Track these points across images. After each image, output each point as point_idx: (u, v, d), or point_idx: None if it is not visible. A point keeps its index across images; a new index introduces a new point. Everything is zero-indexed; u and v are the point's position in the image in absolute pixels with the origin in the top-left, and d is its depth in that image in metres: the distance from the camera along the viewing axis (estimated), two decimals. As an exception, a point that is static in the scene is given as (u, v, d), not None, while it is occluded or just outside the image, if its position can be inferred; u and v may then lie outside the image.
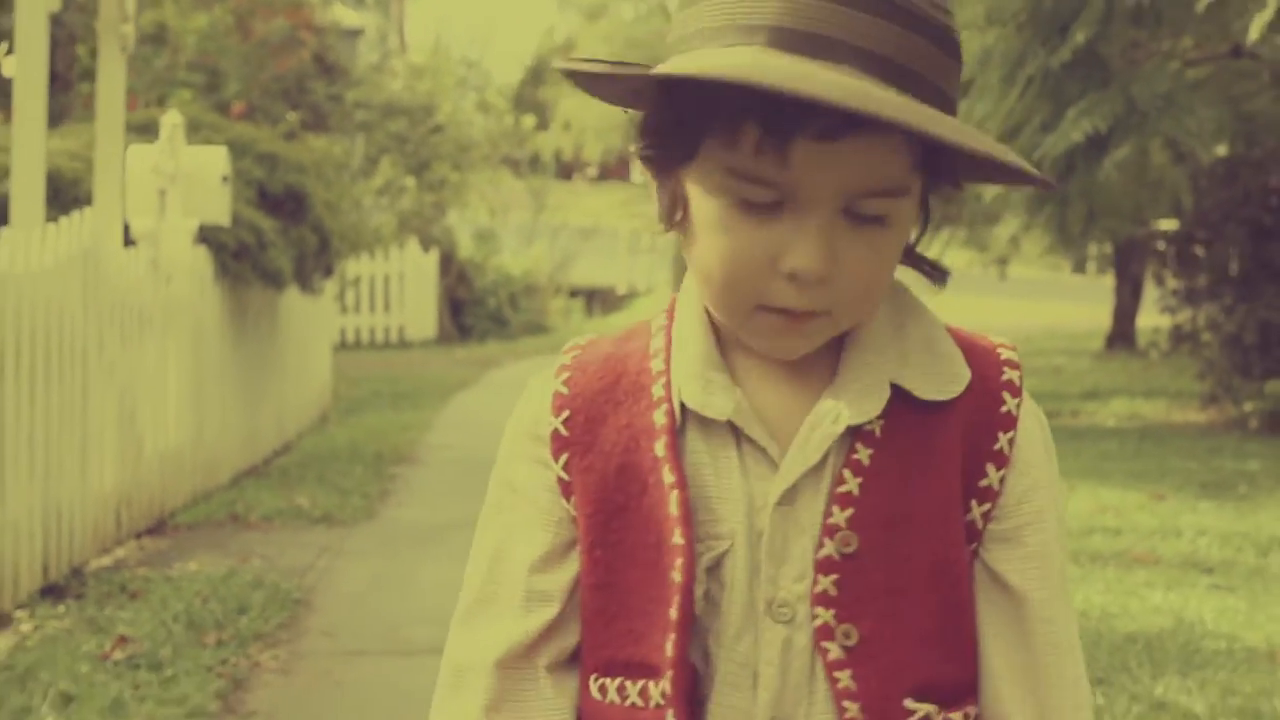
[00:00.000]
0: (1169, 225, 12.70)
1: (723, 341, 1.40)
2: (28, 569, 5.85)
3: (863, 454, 1.35)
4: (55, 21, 8.60)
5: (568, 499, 1.41)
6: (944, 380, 1.38)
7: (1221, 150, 11.64)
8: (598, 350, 1.46)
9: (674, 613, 1.33)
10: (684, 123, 1.31)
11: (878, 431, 1.35)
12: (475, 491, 6.22)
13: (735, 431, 1.36)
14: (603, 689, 1.40)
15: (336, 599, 6.13)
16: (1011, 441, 1.38)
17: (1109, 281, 21.15)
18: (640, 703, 1.37)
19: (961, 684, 1.37)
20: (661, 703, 1.35)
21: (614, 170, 53.02)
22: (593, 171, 53.05)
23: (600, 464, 1.39)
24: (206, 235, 8.51)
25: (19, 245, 5.86)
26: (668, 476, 1.35)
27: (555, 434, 1.41)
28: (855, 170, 1.27)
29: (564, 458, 1.41)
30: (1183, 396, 13.52)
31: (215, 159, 8.49)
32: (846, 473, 1.34)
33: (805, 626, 1.33)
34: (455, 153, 22.96)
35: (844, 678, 1.33)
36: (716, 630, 1.35)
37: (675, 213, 1.35)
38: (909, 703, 1.34)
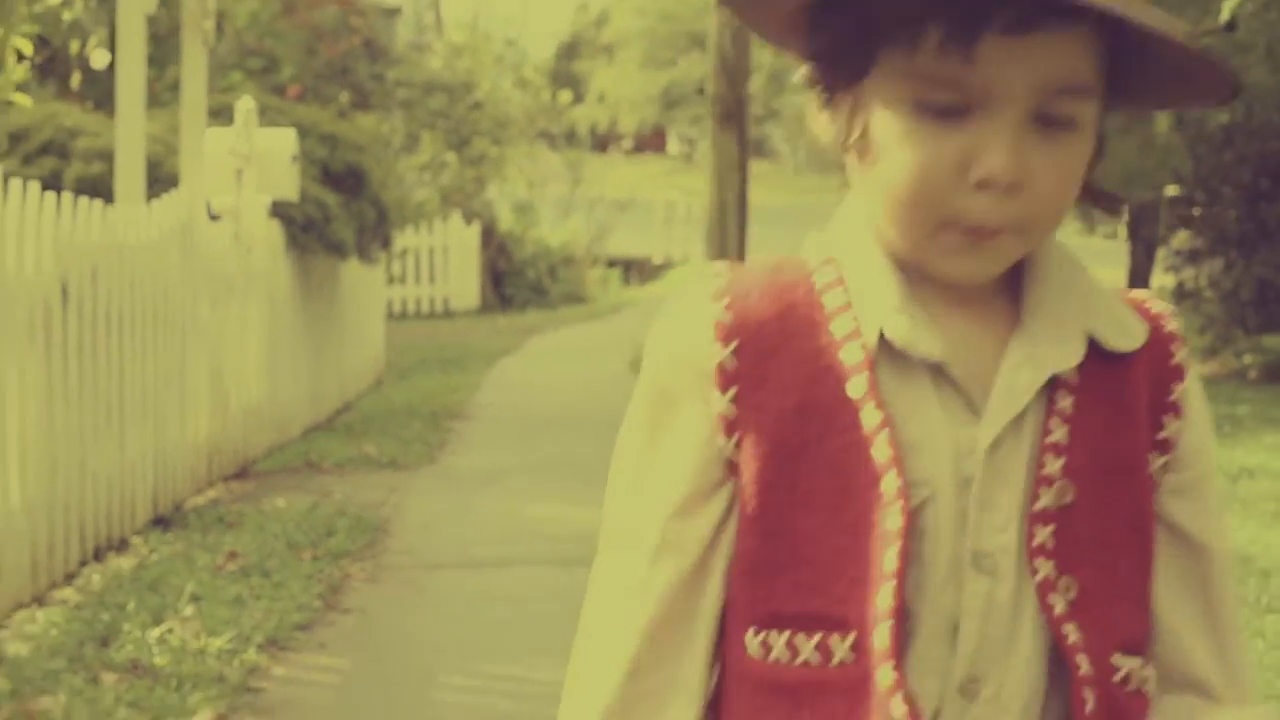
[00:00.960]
0: (1173, 190, 13.55)
1: (906, 279, 1.33)
2: (142, 503, 6.80)
3: (1065, 402, 1.31)
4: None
5: (729, 437, 1.32)
6: (1128, 330, 1.35)
7: (1223, 119, 12.47)
8: (752, 277, 1.36)
9: (891, 562, 1.26)
10: (859, 31, 1.28)
11: (1074, 381, 1.32)
12: (522, 442, 7.41)
13: (934, 374, 1.31)
14: (765, 645, 1.31)
15: (409, 525, 7.07)
16: (1184, 393, 1.37)
17: (1124, 245, 21.98)
18: (816, 658, 1.29)
19: (1147, 638, 1.35)
20: (849, 659, 1.28)
21: (649, 142, 53.74)
22: (628, 144, 53.75)
23: (776, 401, 1.31)
24: (278, 210, 9.44)
25: (128, 220, 6.80)
26: (870, 417, 1.28)
27: (721, 366, 1.32)
28: (1044, 66, 1.23)
29: (732, 391, 1.32)
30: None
31: (285, 140, 9.42)
32: (1054, 421, 1.31)
33: (1008, 579, 1.28)
34: (494, 128, 23.86)
35: (1071, 631, 1.29)
36: (917, 581, 1.28)
37: (852, 133, 1.30)
38: (1116, 658, 1.32)
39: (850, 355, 1.30)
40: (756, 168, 39.86)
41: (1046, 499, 1.29)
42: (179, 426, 7.40)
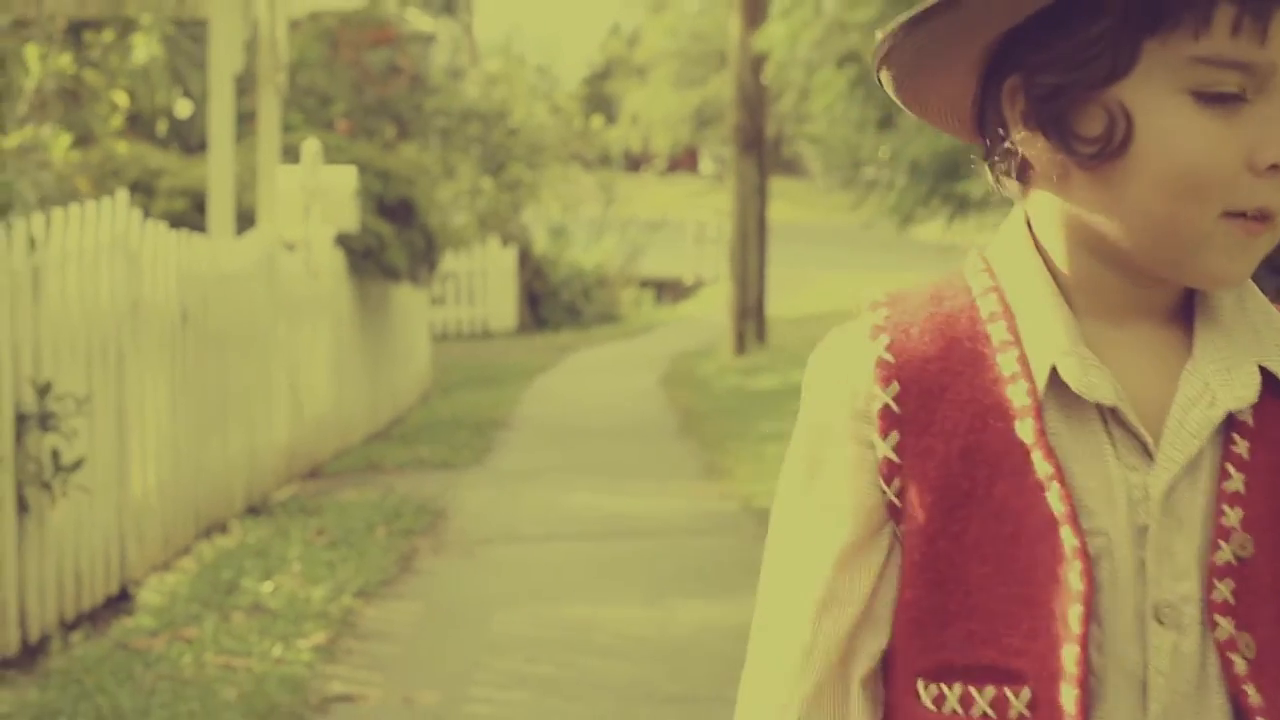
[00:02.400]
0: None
1: (1072, 308, 1.29)
2: (239, 494, 8.21)
3: (1241, 446, 1.26)
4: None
5: (889, 483, 1.29)
6: None
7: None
8: (914, 309, 1.33)
9: (1075, 623, 1.23)
10: (1124, 24, 1.23)
11: (1250, 421, 1.27)
12: (559, 446, 9.10)
13: (1103, 415, 1.26)
14: (938, 698, 1.29)
15: (464, 511, 8.48)
16: None
17: None
18: (992, 713, 1.26)
19: None
20: (1026, 715, 1.25)
21: (681, 161, 55.07)
22: (661, 164, 55.07)
23: (941, 445, 1.27)
24: (341, 240, 10.88)
25: (227, 253, 8.22)
26: (1042, 466, 1.24)
27: (885, 409, 1.29)
28: None
29: (894, 436, 1.29)
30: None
31: (346, 177, 10.86)
32: (1229, 467, 1.26)
33: (1191, 631, 1.24)
34: (529, 154, 25.31)
35: (1251, 691, 1.25)
36: (1099, 640, 1.24)
37: (1112, 141, 1.23)
38: None
39: (1018, 396, 1.26)
40: (787, 186, 41.22)
41: (1226, 552, 1.24)
42: (266, 430, 8.82)
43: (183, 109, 10.18)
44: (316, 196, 10.59)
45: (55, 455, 5.43)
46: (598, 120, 28.73)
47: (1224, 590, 1.25)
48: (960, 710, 1.27)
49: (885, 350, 1.30)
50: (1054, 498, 1.24)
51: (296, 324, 9.71)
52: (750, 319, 17.15)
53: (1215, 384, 1.26)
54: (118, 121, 9.77)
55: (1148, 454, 1.25)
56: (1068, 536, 1.23)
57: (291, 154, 11.03)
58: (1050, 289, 1.29)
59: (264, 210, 9.99)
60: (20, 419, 5.32)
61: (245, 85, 9.85)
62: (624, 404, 14.26)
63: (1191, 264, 1.25)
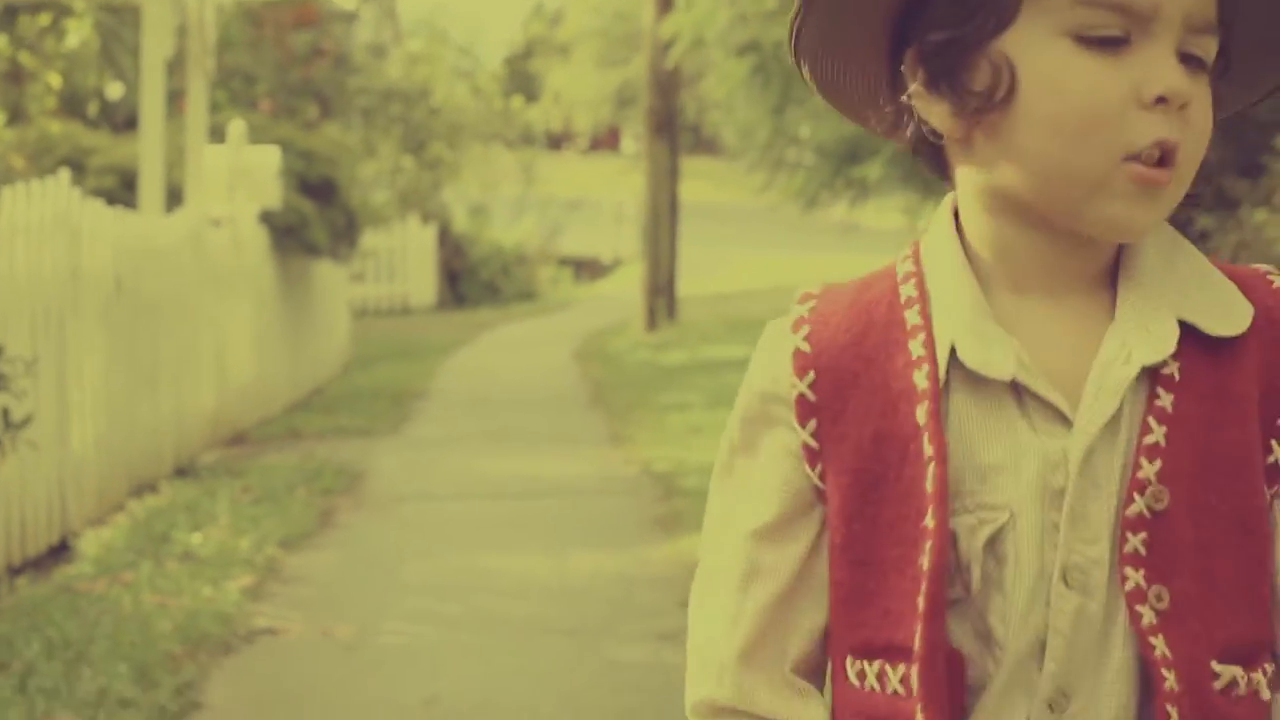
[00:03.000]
0: None
1: (984, 284, 1.32)
2: (168, 455, 8.76)
3: (1165, 399, 1.27)
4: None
5: (813, 467, 1.34)
6: (1230, 313, 1.30)
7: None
8: (837, 299, 1.37)
9: (921, 602, 1.27)
10: None
11: (1176, 375, 1.28)
12: (474, 416, 9.88)
13: (1016, 388, 1.28)
14: (861, 674, 1.33)
15: (381, 473, 9.07)
16: None
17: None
18: (903, 690, 1.30)
19: (1259, 642, 1.30)
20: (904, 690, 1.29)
21: (603, 141, 55.56)
22: (583, 143, 55.49)
23: (854, 430, 1.32)
24: (264, 217, 11.42)
25: (158, 228, 8.77)
26: (926, 448, 1.28)
27: (801, 398, 1.34)
28: None
29: (812, 424, 1.34)
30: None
31: (270, 157, 11.40)
32: (1151, 420, 1.27)
33: (1098, 592, 1.26)
34: (450, 133, 25.83)
35: (1159, 643, 1.25)
36: (1001, 610, 1.28)
37: (997, 91, 1.27)
38: (1216, 665, 1.27)
39: (920, 380, 1.29)
40: (708, 165, 41.77)
41: (1139, 504, 1.26)
42: (193, 396, 9.37)
43: (113, 91, 10.68)
44: (241, 175, 11.12)
45: (5, 413, 5.98)
46: (519, 101, 29.16)
47: (1135, 542, 1.26)
48: (877, 687, 1.31)
49: (804, 340, 1.35)
50: (929, 479, 1.27)
51: (222, 297, 10.25)
52: (661, 296, 17.81)
53: (1133, 342, 1.27)
54: (51, 102, 10.26)
55: (1066, 420, 1.27)
56: (929, 517, 1.26)
57: (217, 134, 11.54)
58: (962, 268, 1.32)
59: (191, 188, 10.52)
60: (-28, 379, 5.86)
61: (173, 67, 10.35)
62: (538, 377, 14.87)
63: (1092, 211, 1.26)
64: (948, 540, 1.26)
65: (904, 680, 1.29)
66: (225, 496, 7.92)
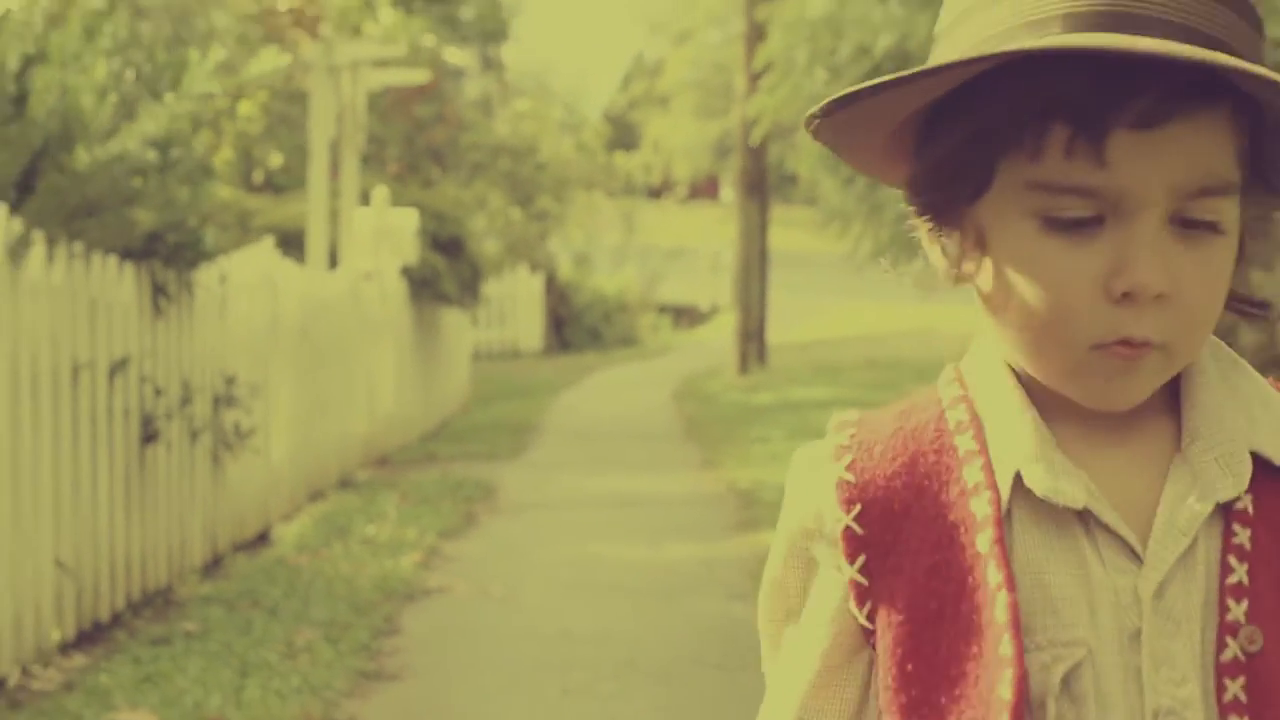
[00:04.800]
0: None
1: (1041, 409, 1.27)
2: (334, 470, 10.82)
3: (1242, 535, 1.24)
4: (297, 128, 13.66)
5: (860, 606, 1.29)
6: None
7: None
8: (878, 427, 1.33)
9: None
10: (974, 142, 1.23)
11: (1249, 508, 1.24)
12: (583, 446, 12.43)
13: (1083, 520, 1.24)
14: None
15: (509, 488, 11.09)
16: None
17: None
18: None
19: None
20: None
21: (702, 189, 57.53)
22: (682, 191, 57.44)
23: (908, 564, 1.27)
24: (405, 271, 13.51)
25: (328, 282, 10.85)
26: (993, 576, 1.22)
27: (848, 532, 1.29)
28: (1181, 163, 1.18)
29: (860, 559, 1.28)
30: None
31: (409, 219, 13.51)
32: (1232, 559, 1.23)
33: None
34: (555, 186, 27.99)
35: None
36: None
37: (965, 260, 1.27)
38: None
39: (980, 507, 1.24)
40: (802, 214, 43.62)
41: (1233, 648, 1.21)
42: (351, 423, 11.45)
43: (274, 161, 12.82)
44: (385, 235, 13.23)
45: (236, 426, 8.03)
46: (621, 157, 31.30)
47: (1234, 689, 1.21)
48: None
49: (846, 470, 1.29)
50: (999, 607, 1.21)
51: (372, 340, 12.34)
52: (752, 342, 19.81)
53: (1204, 475, 1.23)
54: (225, 171, 12.40)
55: (1136, 555, 1.23)
56: (1005, 646, 1.20)
57: (361, 196, 13.65)
58: (1016, 394, 1.27)
59: (345, 247, 12.62)
60: (215, 400, 7.91)
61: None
62: (638, 415, 16.88)
63: (1072, 388, 1.24)
64: (1026, 669, 1.20)
65: None
66: (387, 501, 9.97)
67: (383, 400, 12.71)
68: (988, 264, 1.25)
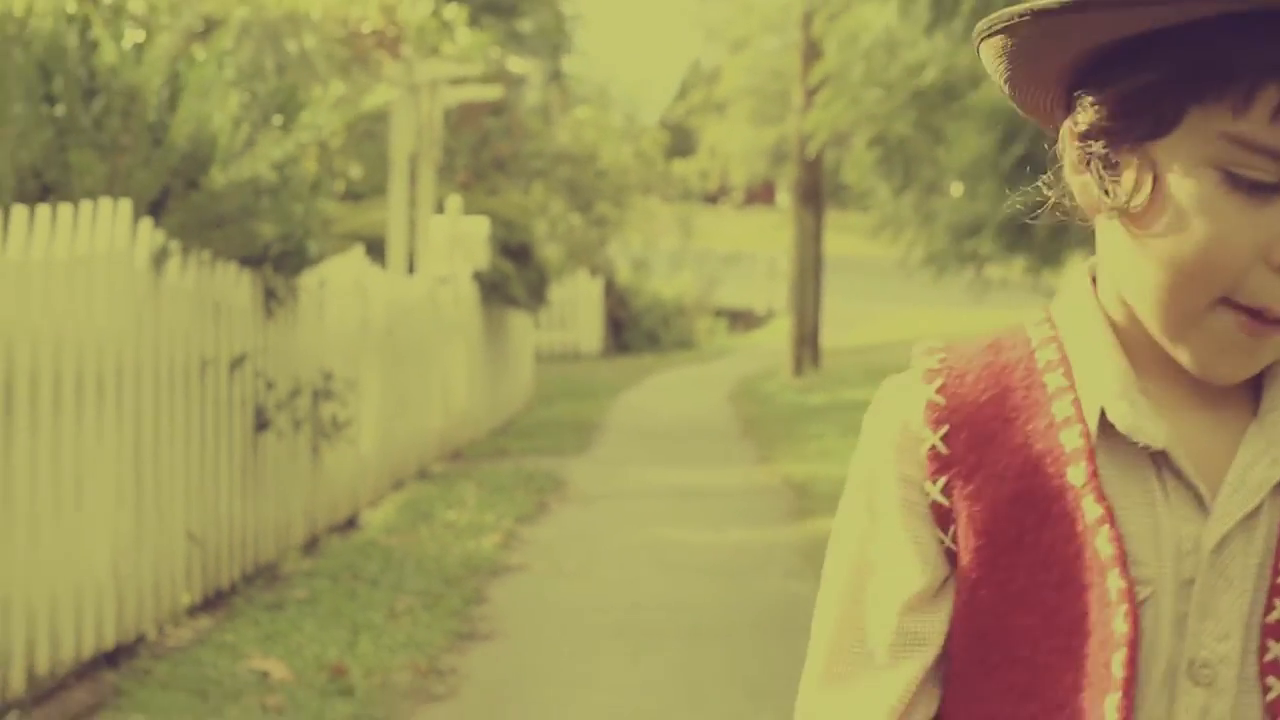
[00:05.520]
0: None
1: (1132, 361, 1.30)
2: (414, 463, 11.64)
3: None
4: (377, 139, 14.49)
5: (945, 529, 1.30)
6: None
7: None
8: (970, 356, 1.35)
9: (1118, 669, 1.23)
10: (1173, 82, 1.22)
11: None
12: (645, 443, 13.47)
13: (1157, 464, 1.27)
14: None
15: (577, 480, 11.89)
16: None
17: None
18: None
19: None
20: None
21: (759, 195, 58.20)
22: (738, 196, 58.07)
23: (991, 490, 1.28)
24: (476, 276, 14.33)
25: (409, 287, 11.66)
26: (1091, 509, 1.25)
27: (934, 452, 1.31)
28: None
29: (943, 480, 1.30)
30: None
31: (480, 226, 14.32)
32: None
33: (1225, 693, 1.25)
34: (614, 193, 28.79)
35: None
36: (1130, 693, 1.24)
37: (1137, 195, 1.24)
38: None
39: (1070, 440, 1.27)
40: (857, 219, 44.29)
41: None
42: (427, 418, 12.26)
43: (355, 172, 13.65)
44: (459, 242, 14.04)
45: (334, 418, 8.83)
46: (678, 163, 32.09)
47: (1277, 650, 1.24)
48: None
49: (936, 393, 1.32)
50: (1102, 540, 1.24)
51: (446, 341, 13.15)
52: (807, 346, 20.58)
53: (1277, 441, 1.27)
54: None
55: (1202, 506, 1.25)
56: (1114, 580, 1.23)
57: (434, 206, 14.47)
58: (1108, 338, 1.29)
59: (422, 253, 13.44)
60: (314, 394, 8.71)
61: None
62: (696, 414, 17.67)
63: (1180, 346, 1.25)
64: (1135, 603, 1.23)
65: None
66: (465, 490, 10.78)
67: (456, 398, 13.51)
68: (1155, 205, 1.24)
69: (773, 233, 44.84)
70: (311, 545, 8.75)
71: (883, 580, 1.32)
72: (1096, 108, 1.27)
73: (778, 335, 28.51)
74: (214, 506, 7.12)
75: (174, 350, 6.62)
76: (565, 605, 7.50)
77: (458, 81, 13.55)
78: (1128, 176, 1.26)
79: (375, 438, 10.34)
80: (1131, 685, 1.23)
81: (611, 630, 6.94)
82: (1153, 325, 1.27)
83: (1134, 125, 1.25)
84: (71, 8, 6.87)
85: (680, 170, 32.74)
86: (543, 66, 35.95)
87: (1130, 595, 1.23)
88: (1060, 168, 1.33)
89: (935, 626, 1.31)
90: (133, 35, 7.23)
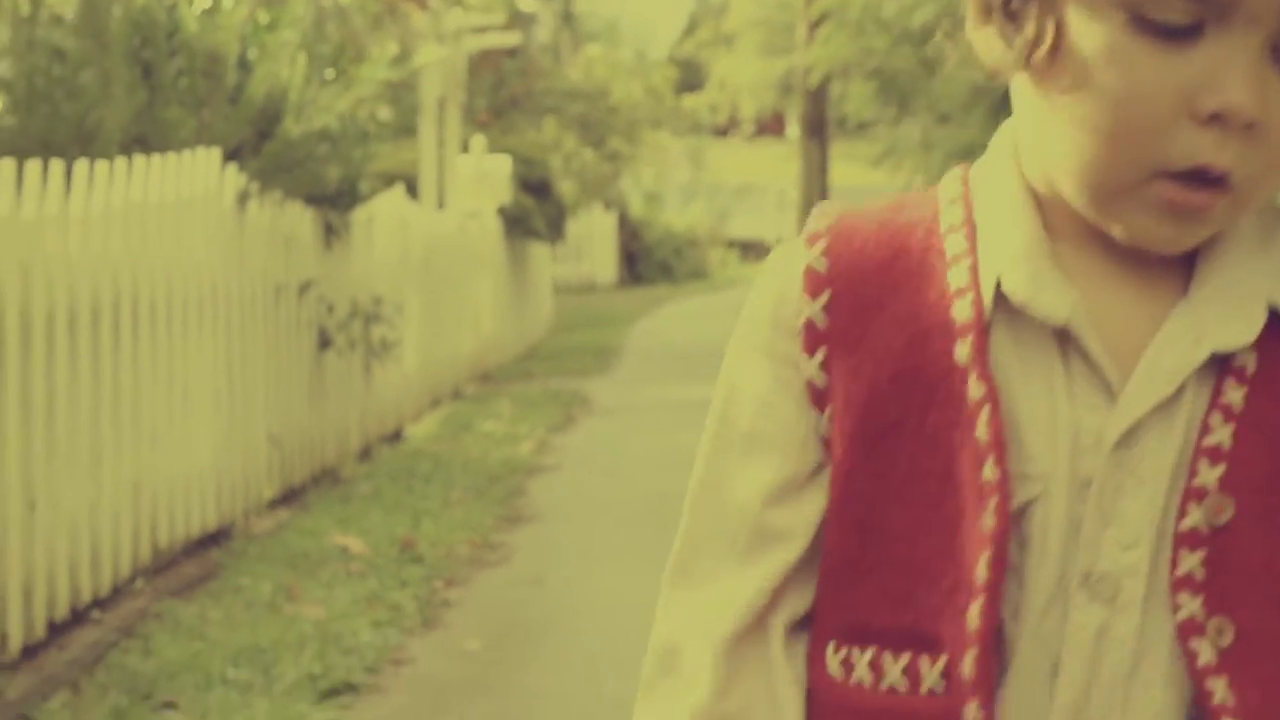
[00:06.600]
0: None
1: (1048, 227, 1.13)
2: (448, 384, 12.77)
3: (1233, 395, 1.10)
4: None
5: (821, 409, 1.15)
6: None
7: None
8: (865, 217, 1.18)
9: (982, 571, 1.08)
10: None
11: (1250, 366, 1.10)
12: (661, 365, 15.03)
13: (1062, 343, 1.11)
14: (847, 663, 1.14)
15: (600, 396, 13.04)
16: None
17: None
18: (903, 685, 1.12)
19: None
20: (939, 688, 1.10)
21: (769, 126, 59.04)
22: (749, 128, 58.89)
23: (870, 366, 1.13)
24: (500, 210, 15.43)
25: (443, 220, 12.77)
26: (975, 388, 1.10)
27: (809, 323, 1.15)
28: None
29: (820, 354, 1.15)
30: None
31: (503, 164, 15.43)
32: (1215, 417, 1.09)
33: (1130, 611, 1.08)
34: (626, 128, 29.84)
35: (1219, 687, 1.07)
36: (1015, 604, 1.10)
37: (1039, 47, 1.08)
38: None
39: (962, 312, 1.11)
40: (863, 149, 45.24)
41: (1195, 516, 1.08)
42: (460, 343, 13.40)
43: (385, 114, 14.74)
44: (484, 179, 15.14)
45: (383, 339, 9.95)
46: (689, 98, 33.10)
47: (1191, 563, 1.08)
48: (867, 681, 1.13)
49: (820, 257, 1.16)
50: (981, 423, 1.09)
51: (475, 272, 14.27)
52: (814, 272, 21.68)
53: (1206, 321, 1.10)
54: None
55: (1111, 394, 1.10)
56: (989, 470, 1.08)
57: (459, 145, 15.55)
58: (1022, 198, 1.14)
59: (451, 190, 14.53)
60: (366, 317, 9.83)
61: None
62: (709, 339, 18.69)
63: (1116, 220, 1.09)
64: (1009, 496, 1.08)
65: (908, 670, 1.12)
66: (498, 406, 11.92)
67: (484, 324, 14.64)
68: (1060, 59, 1.07)
69: (782, 164, 45.77)
70: (365, 454, 9.88)
71: (744, 468, 1.18)
72: None
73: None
74: (287, 414, 8.24)
75: (254, 278, 7.73)
76: (597, 496, 8.64)
77: (480, 30, 14.63)
78: (1030, 26, 1.09)
79: (416, 358, 11.46)
80: (996, 592, 1.08)
81: (638, 513, 8.08)
82: (1077, 200, 1.10)
83: None
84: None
85: (690, 104, 33.74)
86: (554, 9, 36.85)
87: (1003, 487, 1.08)
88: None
89: (801, 520, 1.16)
90: (201, 2, 8.32)
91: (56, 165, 5.55)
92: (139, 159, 6.43)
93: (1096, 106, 1.06)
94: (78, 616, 5.66)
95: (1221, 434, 1.09)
